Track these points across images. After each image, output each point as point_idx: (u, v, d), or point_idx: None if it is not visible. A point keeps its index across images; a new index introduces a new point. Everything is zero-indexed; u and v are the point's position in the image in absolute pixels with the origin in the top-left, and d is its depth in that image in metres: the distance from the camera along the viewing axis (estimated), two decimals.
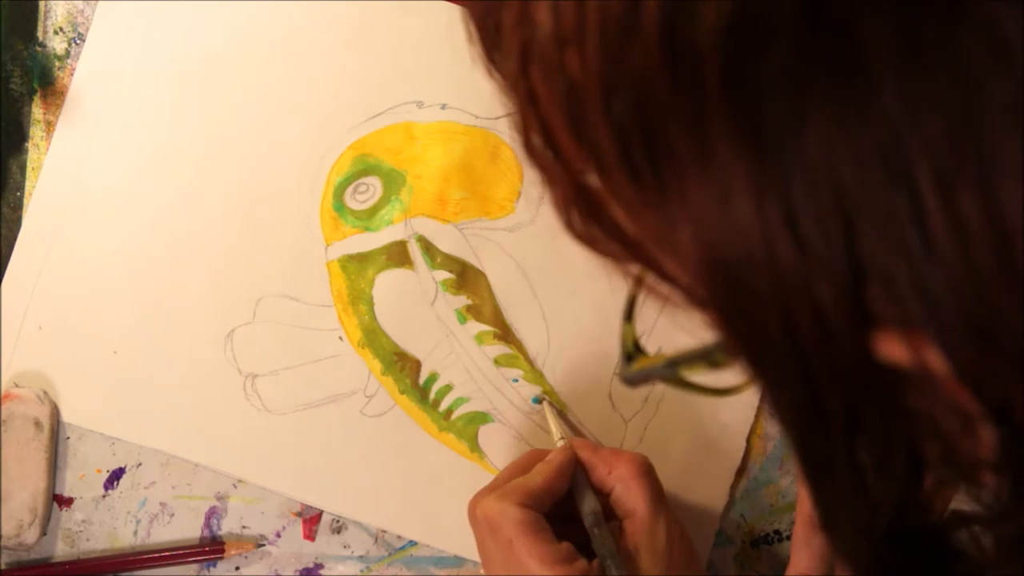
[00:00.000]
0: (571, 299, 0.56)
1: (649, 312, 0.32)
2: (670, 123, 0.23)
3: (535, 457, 0.52)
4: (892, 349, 0.23)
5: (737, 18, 0.21)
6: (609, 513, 0.50)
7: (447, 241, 0.56)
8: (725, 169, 0.22)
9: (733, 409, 0.56)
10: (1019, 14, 0.19)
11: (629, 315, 0.34)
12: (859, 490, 0.27)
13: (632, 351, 0.34)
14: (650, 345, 0.35)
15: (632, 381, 0.34)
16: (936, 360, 0.22)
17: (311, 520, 0.56)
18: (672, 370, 0.31)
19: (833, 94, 0.21)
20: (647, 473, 0.50)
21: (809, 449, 0.27)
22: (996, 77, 0.19)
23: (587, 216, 0.28)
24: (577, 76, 0.24)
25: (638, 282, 0.30)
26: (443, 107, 0.57)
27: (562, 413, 0.56)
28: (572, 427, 0.56)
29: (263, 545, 0.56)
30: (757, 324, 0.24)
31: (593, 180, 0.26)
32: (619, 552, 0.49)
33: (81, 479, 0.56)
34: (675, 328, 0.28)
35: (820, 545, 0.53)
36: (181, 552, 0.55)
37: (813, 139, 0.21)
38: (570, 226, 0.28)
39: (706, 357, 0.30)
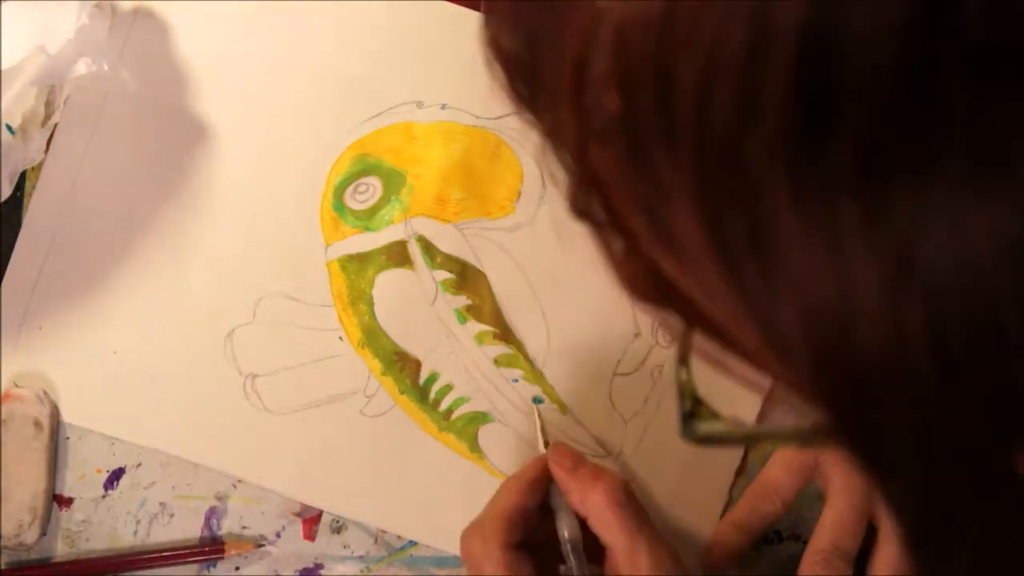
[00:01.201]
0: (571, 299, 0.56)
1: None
2: (785, 220, 0.19)
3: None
4: None
5: (886, 114, 0.18)
6: (592, 536, 0.50)
7: (447, 241, 0.56)
8: (855, 272, 0.19)
9: (733, 409, 0.56)
10: None
11: (684, 359, 0.29)
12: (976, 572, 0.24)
13: (693, 407, 0.29)
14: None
15: (699, 442, 0.29)
16: None
17: (311, 520, 0.56)
18: (751, 440, 0.28)
19: (994, 206, 0.18)
20: (621, 502, 0.49)
21: (928, 542, 0.23)
22: None
23: (651, 283, 0.24)
24: (660, 171, 0.21)
25: (694, 329, 0.26)
26: (443, 107, 0.57)
27: (553, 418, 0.56)
28: (565, 432, 0.56)
29: (263, 545, 0.56)
30: (879, 431, 0.21)
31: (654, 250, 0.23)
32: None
33: (81, 479, 0.56)
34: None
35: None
36: (181, 552, 0.55)
37: (971, 255, 0.18)
38: (633, 292, 0.25)
39: (799, 438, 0.26)
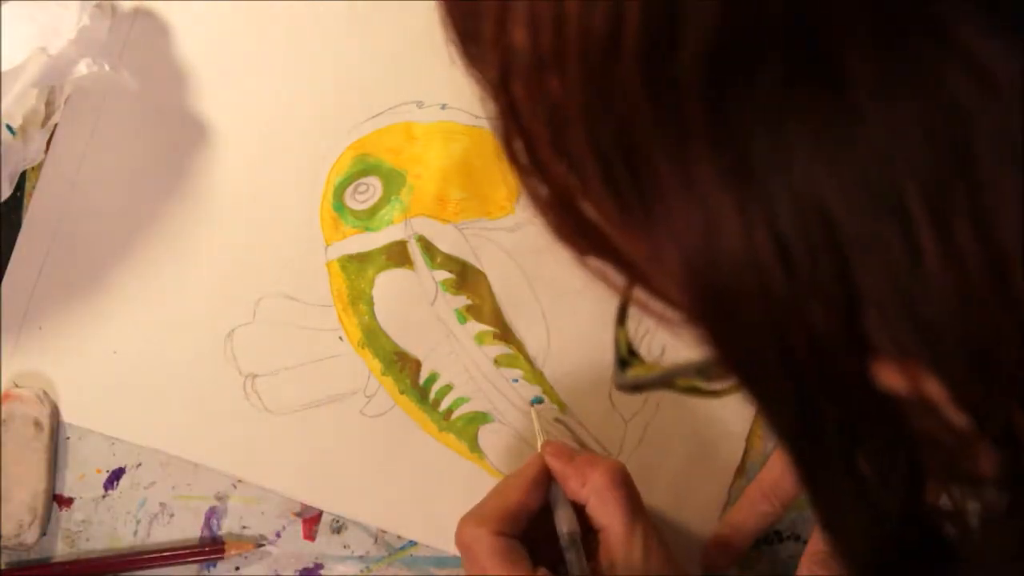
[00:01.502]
0: (571, 299, 0.56)
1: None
2: (653, 149, 0.22)
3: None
4: (889, 376, 0.23)
5: (719, 45, 0.21)
6: (587, 525, 0.50)
7: (447, 241, 0.56)
8: (710, 196, 0.22)
9: (733, 409, 0.56)
10: (1000, 44, 0.19)
11: (622, 319, 0.33)
12: (859, 496, 0.27)
13: (626, 357, 0.33)
14: (652, 346, 0.34)
15: (627, 388, 0.33)
16: (934, 387, 0.22)
17: (311, 520, 0.56)
18: (667, 381, 0.31)
19: (818, 122, 0.21)
20: (621, 484, 0.49)
21: (805, 460, 0.27)
22: (983, 107, 0.19)
23: (573, 228, 0.28)
24: (558, 98, 0.24)
25: (630, 286, 0.30)
26: (443, 107, 0.57)
27: (556, 416, 0.56)
28: (567, 429, 0.56)
29: (263, 545, 0.56)
30: (750, 347, 0.24)
31: (578, 193, 0.26)
32: (596, 566, 0.48)
33: (81, 479, 0.56)
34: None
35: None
36: (181, 552, 0.55)
37: (799, 166, 0.21)
38: (558, 232, 0.28)
39: (702, 371, 0.29)
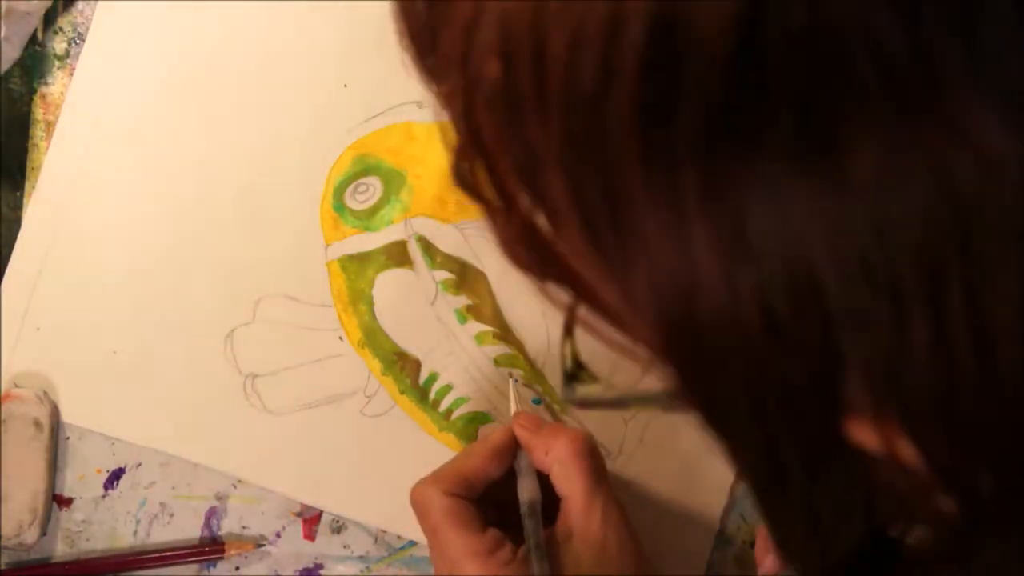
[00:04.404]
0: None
1: None
2: (640, 206, 0.22)
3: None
4: (862, 435, 0.23)
5: (723, 110, 0.20)
6: (552, 495, 0.50)
7: (447, 241, 0.56)
8: (699, 254, 0.21)
9: None
10: (1015, 141, 0.19)
11: (569, 331, 0.31)
12: (815, 525, 0.27)
13: (573, 370, 0.32)
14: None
15: (575, 403, 0.33)
16: (905, 447, 0.22)
17: (311, 520, 0.56)
18: (621, 403, 0.30)
19: (817, 193, 0.20)
20: (585, 454, 0.49)
21: (763, 494, 0.27)
22: (988, 200, 0.19)
23: (530, 253, 0.27)
24: (533, 138, 0.23)
25: (578, 302, 0.29)
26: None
27: (553, 418, 0.56)
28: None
29: (263, 545, 0.56)
30: (720, 392, 0.23)
31: (544, 225, 0.25)
32: (552, 536, 0.48)
33: (81, 479, 0.56)
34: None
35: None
36: (181, 552, 0.55)
37: (794, 234, 0.20)
38: (513, 257, 0.28)
39: (660, 402, 0.29)
